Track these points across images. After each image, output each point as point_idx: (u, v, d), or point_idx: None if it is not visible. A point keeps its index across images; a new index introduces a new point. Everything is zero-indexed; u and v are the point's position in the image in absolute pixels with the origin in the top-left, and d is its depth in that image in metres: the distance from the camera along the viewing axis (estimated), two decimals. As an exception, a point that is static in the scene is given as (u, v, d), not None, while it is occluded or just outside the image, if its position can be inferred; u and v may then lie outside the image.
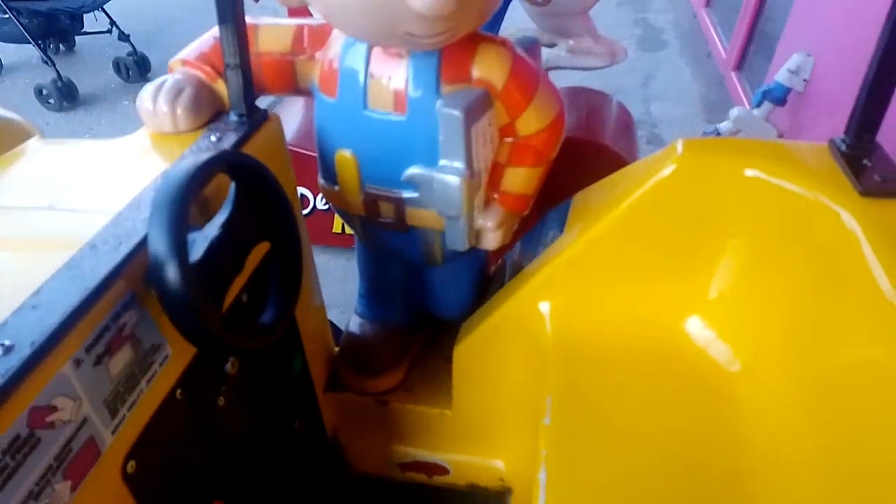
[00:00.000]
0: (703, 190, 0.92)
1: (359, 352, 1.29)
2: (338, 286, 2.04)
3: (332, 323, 1.38)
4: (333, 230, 2.25)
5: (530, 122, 0.99)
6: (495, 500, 1.29)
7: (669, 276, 0.98)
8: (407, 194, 1.02)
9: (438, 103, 0.91)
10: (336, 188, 1.07)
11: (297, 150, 1.75)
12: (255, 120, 0.93)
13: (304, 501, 1.22)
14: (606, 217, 0.97)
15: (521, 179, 1.04)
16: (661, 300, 0.99)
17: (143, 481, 0.70)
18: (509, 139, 1.02)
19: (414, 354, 1.35)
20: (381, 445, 1.34)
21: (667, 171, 0.92)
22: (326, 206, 2.17)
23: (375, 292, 1.30)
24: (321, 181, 1.09)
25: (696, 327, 0.98)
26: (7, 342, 0.54)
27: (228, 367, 0.87)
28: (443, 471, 1.33)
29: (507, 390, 1.18)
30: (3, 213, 0.80)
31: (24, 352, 0.54)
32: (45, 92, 3.35)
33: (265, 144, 0.94)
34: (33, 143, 1.05)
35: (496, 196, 1.05)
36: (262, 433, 1.01)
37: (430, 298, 1.30)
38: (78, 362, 0.59)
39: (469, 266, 1.25)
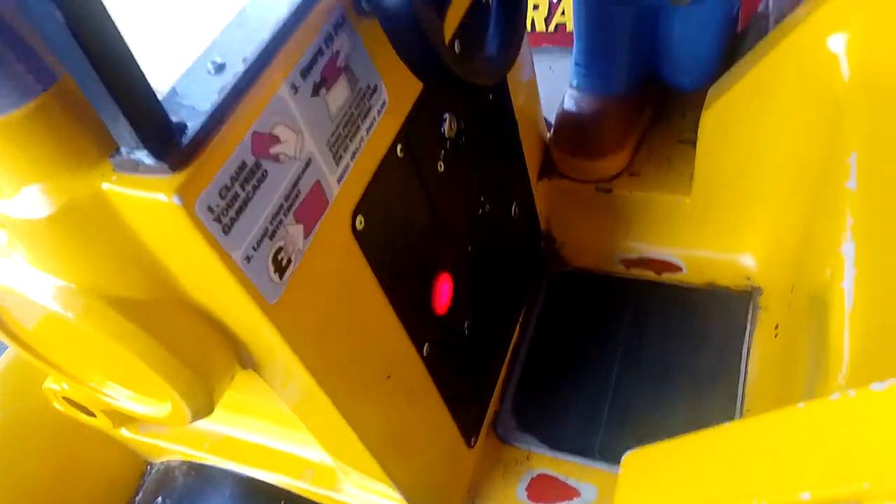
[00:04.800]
0: None
1: (576, 131, 1.11)
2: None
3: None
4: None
5: None
6: (737, 301, 1.10)
7: None
8: None
9: None
10: None
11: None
12: None
13: (518, 293, 1.14)
14: None
15: None
16: None
17: (372, 239, 0.66)
18: None
19: (641, 133, 1.14)
20: (602, 239, 1.19)
21: None
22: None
23: (595, 53, 1.07)
24: None
25: None
26: (219, 59, 0.51)
27: (445, 128, 0.79)
28: (675, 268, 1.16)
29: (770, 161, 0.95)
30: None
31: (236, 69, 0.51)
32: None
33: None
34: None
35: None
36: (482, 211, 0.92)
37: (664, 58, 1.06)
38: (294, 87, 0.54)
39: (719, 9, 0.97)
